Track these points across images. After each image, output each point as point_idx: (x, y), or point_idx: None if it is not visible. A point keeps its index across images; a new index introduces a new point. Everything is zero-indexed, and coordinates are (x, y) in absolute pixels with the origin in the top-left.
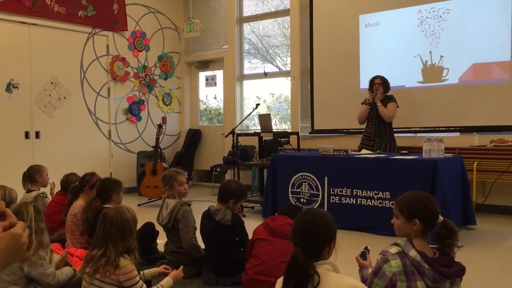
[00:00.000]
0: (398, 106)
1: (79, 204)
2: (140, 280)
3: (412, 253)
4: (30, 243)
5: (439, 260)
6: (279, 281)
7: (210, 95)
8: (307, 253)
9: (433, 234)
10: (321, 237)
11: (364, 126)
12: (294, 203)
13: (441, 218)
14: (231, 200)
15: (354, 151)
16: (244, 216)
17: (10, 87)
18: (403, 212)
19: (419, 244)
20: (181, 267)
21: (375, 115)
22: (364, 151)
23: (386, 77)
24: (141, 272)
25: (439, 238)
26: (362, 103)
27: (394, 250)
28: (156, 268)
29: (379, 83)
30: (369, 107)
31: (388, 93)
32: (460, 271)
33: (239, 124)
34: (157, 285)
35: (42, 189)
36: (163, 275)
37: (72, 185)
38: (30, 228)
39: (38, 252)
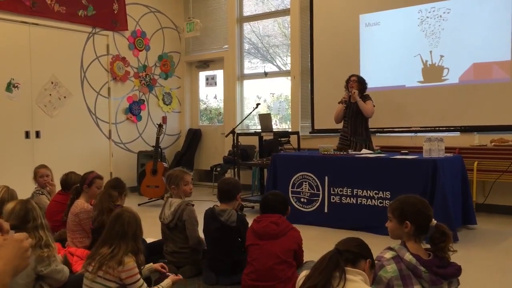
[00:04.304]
0: (374, 106)
1: (80, 203)
2: (141, 279)
3: (407, 256)
4: (39, 239)
5: (434, 262)
6: (303, 274)
7: (210, 95)
8: (342, 254)
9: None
10: (356, 246)
11: (341, 126)
12: (274, 192)
13: (434, 221)
14: (238, 194)
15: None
16: (245, 215)
17: (10, 86)
18: (394, 214)
19: (413, 247)
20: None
21: (351, 114)
22: (364, 150)
23: (386, 76)
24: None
25: (433, 241)
26: (339, 102)
27: (388, 255)
28: (152, 264)
29: (355, 80)
30: (345, 105)
31: (368, 93)
32: (457, 270)
33: (240, 123)
34: (157, 286)
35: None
36: (159, 272)
37: (74, 187)
38: (42, 225)
39: (50, 249)
